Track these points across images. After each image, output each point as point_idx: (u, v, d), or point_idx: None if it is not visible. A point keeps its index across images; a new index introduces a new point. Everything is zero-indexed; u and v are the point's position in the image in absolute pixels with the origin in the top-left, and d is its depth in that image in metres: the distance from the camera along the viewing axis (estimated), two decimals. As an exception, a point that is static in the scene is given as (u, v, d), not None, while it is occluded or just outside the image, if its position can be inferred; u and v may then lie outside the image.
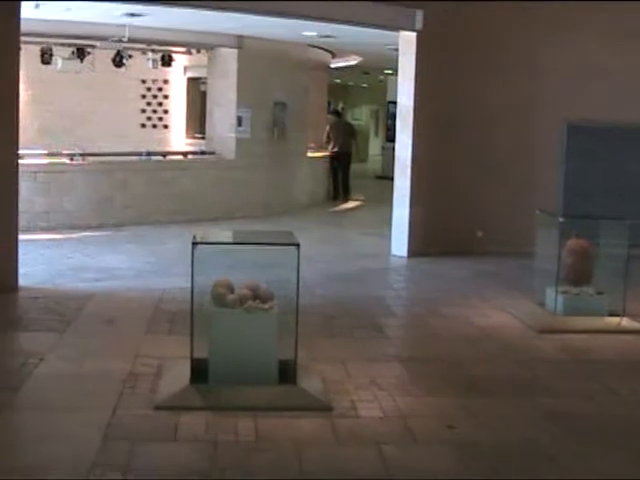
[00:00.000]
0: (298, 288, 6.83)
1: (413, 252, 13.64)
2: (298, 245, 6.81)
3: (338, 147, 22.84)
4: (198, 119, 20.20)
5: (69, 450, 5.76)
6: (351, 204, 21.98)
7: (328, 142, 23.05)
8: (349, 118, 32.88)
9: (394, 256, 13.78)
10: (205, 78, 19.09)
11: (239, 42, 17.50)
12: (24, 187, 12.19)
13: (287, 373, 7.01)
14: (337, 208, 21.23)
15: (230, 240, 8.53)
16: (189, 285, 6.88)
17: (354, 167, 23.78)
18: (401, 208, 13.84)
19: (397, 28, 13.66)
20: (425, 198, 13.74)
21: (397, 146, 14.05)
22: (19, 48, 10.63)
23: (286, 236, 7.34)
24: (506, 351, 8.68)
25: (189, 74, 20.69)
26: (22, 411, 6.59)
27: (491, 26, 13.92)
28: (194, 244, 6.81)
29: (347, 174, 23.09)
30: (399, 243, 13.85)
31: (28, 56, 14.59)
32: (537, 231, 10.45)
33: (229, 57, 17.80)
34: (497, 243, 13.73)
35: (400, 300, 11.27)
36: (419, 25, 13.31)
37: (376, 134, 39.48)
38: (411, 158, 13.65)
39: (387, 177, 22.06)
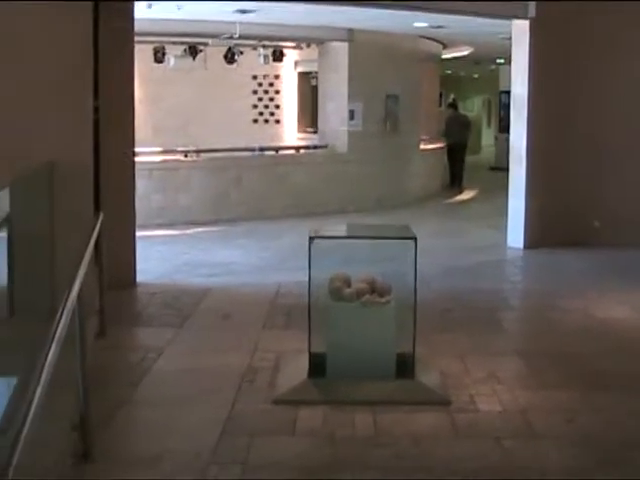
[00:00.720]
0: (416, 281, 6.79)
1: (529, 244, 13.41)
2: (415, 239, 6.76)
3: (454, 139, 22.81)
4: (309, 113, 20.23)
5: (188, 444, 5.81)
6: (465, 196, 21.80)
7: (446, 134, 23.00)
8: (461, 109, 32.65)
9: (510, 248, 13.55)
10: (316, 72, 19.14)
11: (349, 35, 17.48)
12: (140, 184, 12.29)
13: (405, 367, 6.95)
14: (451, 200, 21.06)
15: (345, 234, 8.51)
16: (305, 279, 6.89)
17: (467, 159, 23.58)
18: (517, 199, 13.60)
19: (509, 17, 13.45)
20: (541, 188, 13.48)
21: (512, 136, 13.82)
22: (133, 48, 10.79)
23: (403, 230, 7.30)
24: (627, 344, 8.45)
25: (300, 69, 20.73)
26: (142, 406, 6.66)
27: (606, 13, 13.54)
28: (311, 238, 6.81)
29: (462, 166, 23.03)
30: (515, 235, 13.62)
31: (141, 55, 14.74)
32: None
33: (340, 51, 17.80)
34: (615, 234, 13.39)
35: (517, 293, 11.11)
36: (532, 13, 13.09)
37: (488, 124, 39.06)
38: (526, 148, 13.41)
39: (500, 168, 21.82)
